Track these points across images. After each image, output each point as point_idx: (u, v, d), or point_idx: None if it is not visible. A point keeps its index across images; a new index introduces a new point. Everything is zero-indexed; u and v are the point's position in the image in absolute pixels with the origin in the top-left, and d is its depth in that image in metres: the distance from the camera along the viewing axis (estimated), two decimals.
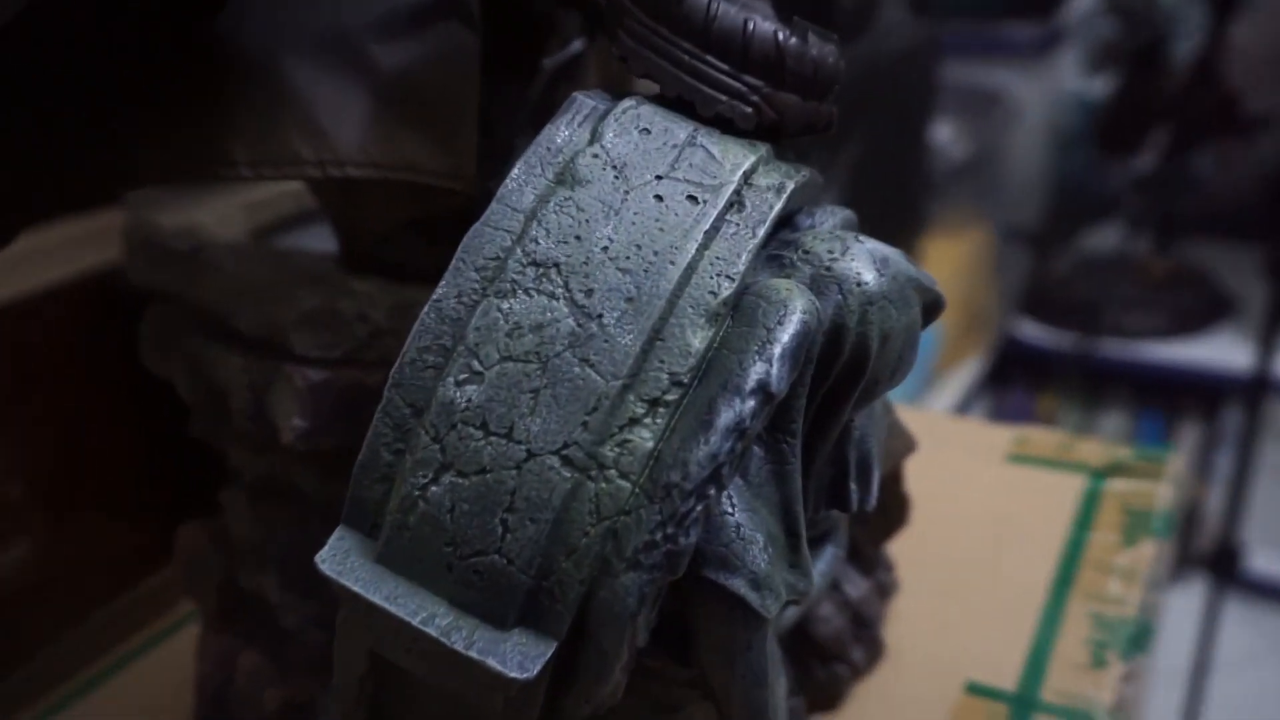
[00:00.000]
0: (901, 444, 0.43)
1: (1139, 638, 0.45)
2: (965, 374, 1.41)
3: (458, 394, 0.25)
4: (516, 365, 0.25)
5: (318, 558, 0.26)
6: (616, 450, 0.24)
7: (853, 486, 0.31)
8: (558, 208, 0.26)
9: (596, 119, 0.28)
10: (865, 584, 0.44)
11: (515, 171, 0.26)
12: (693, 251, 0.26)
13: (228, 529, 0.41)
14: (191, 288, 0.38)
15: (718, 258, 0.26)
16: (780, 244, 0.29)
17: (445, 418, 0.25)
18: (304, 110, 0.32)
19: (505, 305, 0.25)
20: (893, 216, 1.26)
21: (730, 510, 0.28)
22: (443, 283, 0.26)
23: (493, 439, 0.25)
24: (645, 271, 0.25)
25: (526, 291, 0.25)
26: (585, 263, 0.25)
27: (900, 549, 0.49)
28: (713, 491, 0.24)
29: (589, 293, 0.25)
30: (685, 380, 0.25)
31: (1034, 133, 1.50)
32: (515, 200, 0.26)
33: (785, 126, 0.28)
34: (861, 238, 0.29)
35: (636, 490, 0.24)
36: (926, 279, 0.30)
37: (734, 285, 0.26)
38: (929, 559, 0.51)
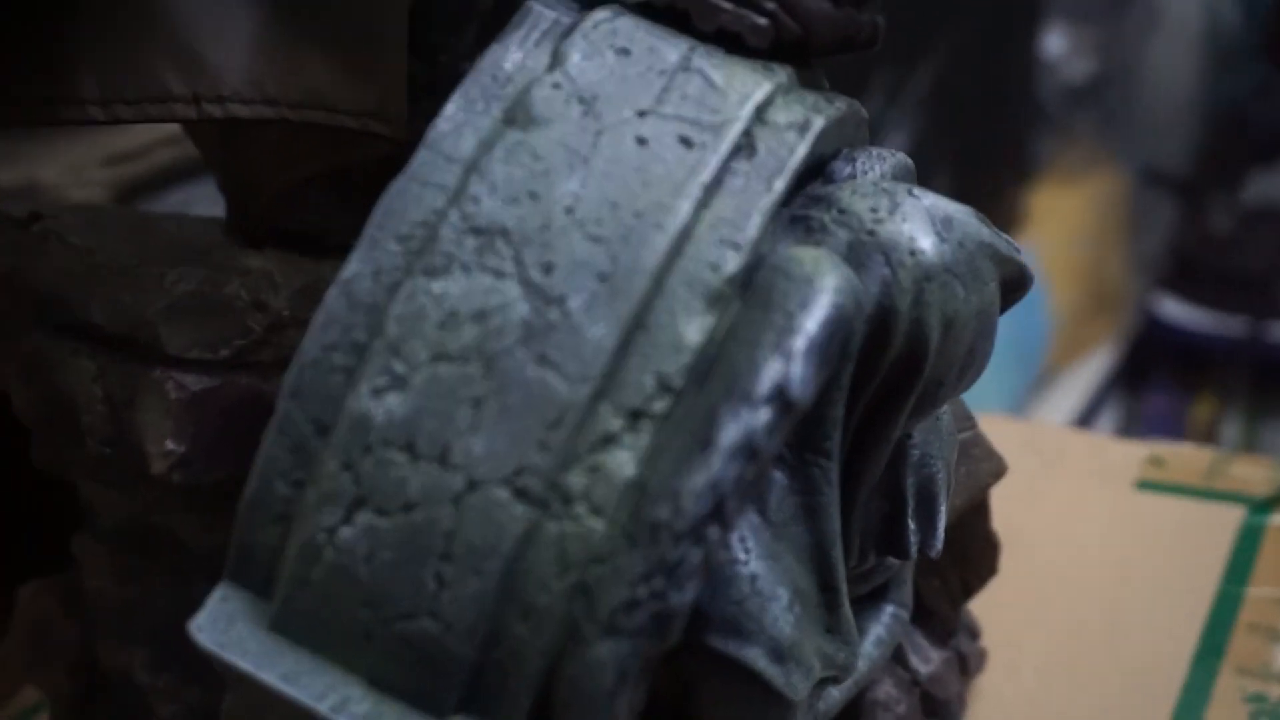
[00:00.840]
0: (987, 468, 0.44)
1: None
2: (1090, 372, 1.41)
3: (375, 406, 0.26)
4: (452, 367, 0.25)
5: (192, 624, 0.26)
6: (586, 478, 0.25)
7: (911, 525, 0.32)
8: (506, 155, 0.27)
9: (558, 36, 0.28)
10: (939, 656, 0.45)
11: (450, 108, 0.27)
12: (687, 212, 0.26)
13: (82, 589, 0.42)
14: (29, 267, 0.39)
15: (720, 220, 0.26)
16: (808, 200, 0.29)
17: (359, 437, 0.26)
18: (174, 31, 0.33)
19: (437, 287, 0.26)
20: (986, 159, 1.27)
21: (743, 557, 0.28)
22: (354, 257, 0.26)
23: (421, 465, 0.25)
24: (623, 239, 0.26)
25: (465, 268, 0.26)
26: (543, 229, 0.26)
27: (988, 609, 0.50)
28: (714, 532, 0.25)
29: (548, 268, 0.26)
30: (677, 384, 0.25)
31: (1182, 42, 1.50)
32: (450, 146, 0.27)
33: (812, 43, 0.29)
34: (918, 191, 0.29)
35: (613, 531, 0.25)
36: (1005, 245, 0.30)
37: (742, 256, 0.26)
38: (1027, 622, 0.51)
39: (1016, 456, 0.60)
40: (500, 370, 0.25)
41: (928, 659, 0.45)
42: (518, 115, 0.27)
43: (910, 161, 0.32)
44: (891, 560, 0.39)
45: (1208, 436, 1.42)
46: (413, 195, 0.27)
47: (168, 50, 0.33)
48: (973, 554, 0.46)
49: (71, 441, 0.39)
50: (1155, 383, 1.46)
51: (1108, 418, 1.42)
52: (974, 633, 0.48)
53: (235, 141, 0.40)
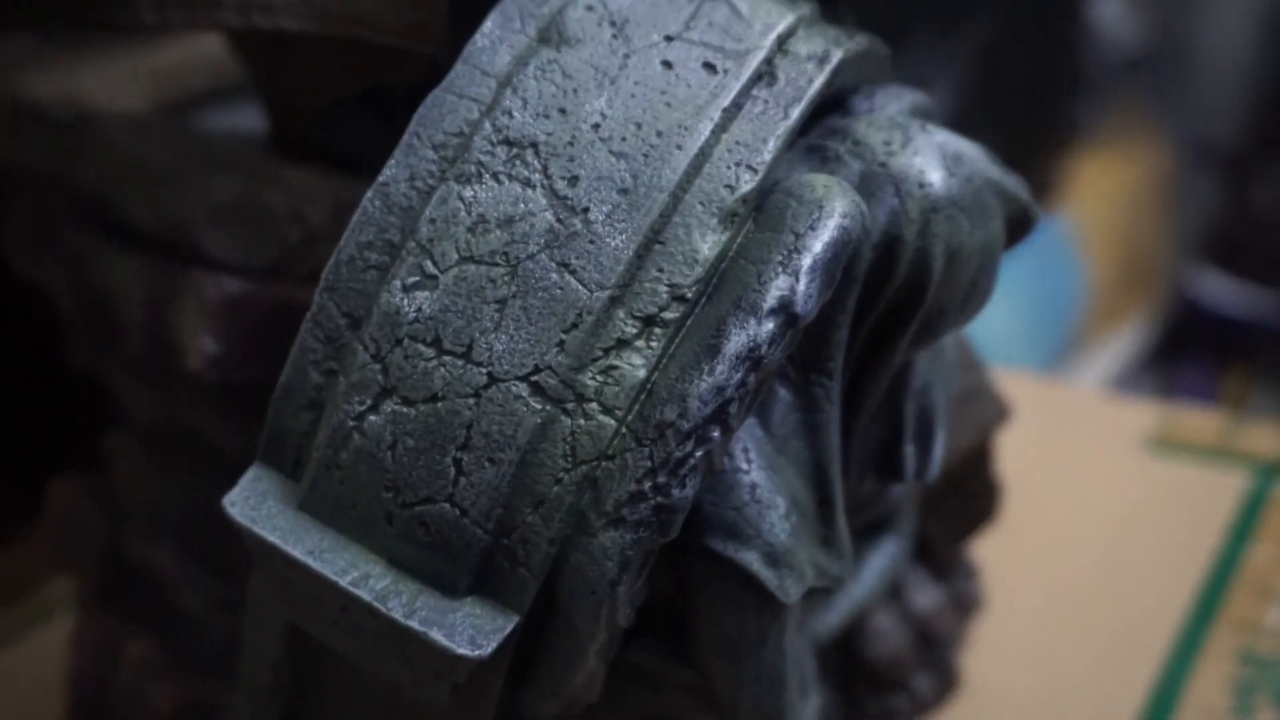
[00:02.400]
0: (992, 411, 0.46)
1: None
2: (1125, 340, 1.43)
3: (405, 301, 0.28)
4: (479, 268, 0.28)
5: (226, 500, 0.29)
6: (600, 379, 0.27)
7: (908, 449, 0.34)
8: (539, 72, 0.29)
9: None
10: (937, 593, 0.47)
11: (487, 25, 0.29)
12: (706, 134, 0.28)
13: (113, 485, 0.44)
14: (74, 169, 0.41)
15: (738, 143, 0.29)
16: (825, 132, 0.31)
17: (389, 331, 0.28)
18: None
19: (468, 193, 0.28)
20: (1031, 122, 1.28)
21: (745, 466, 0.30)
22: (391, 162, 0.29)
23: (446, 359, 0.28)
24: (645, 157, 0.28)
25: (495, 177, 0.28)
26: (570, 143, 0.28)
27: (991, 554, 0.52)
28: (716, 434, 0.27)
29: (573, 180, 0.28)
30: (689, 295, 0.28)
31: (1239, 14, 1.50)
32: (486, 61, 0.29)
33: None
34: (931, 127, 0.31)
35: (623, 429, 0.27)
36: (1013, 183, 0.32)
37: (757, 178, 0.28)
38: (1029, 569, 0.53)
39: (1031, 411, 0.62)
40: (524, 273, 0.28)
41: (927, 595, 0.47)
42: (551, 35, 0.29)
43: (927, 100, 0.34)
44: (893, 490, 0.41)
45: (1239, 408, 1.43)
46: (449, 105, 0.29)
47: None
48: (974, 494, 0.47)
49: (110, 339, 0.42)
50: (1188, 356, 1.47)
51: (1141, 386, 1.43)
52: (971, 574, 0.50)
53: (280, 57, 0.42)
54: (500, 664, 0.28)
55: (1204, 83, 1.50)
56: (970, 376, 0.46)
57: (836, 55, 0.30)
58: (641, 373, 0.27)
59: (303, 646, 0.31)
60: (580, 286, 0.27)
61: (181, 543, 0.42)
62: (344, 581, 0.28)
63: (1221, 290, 1.46)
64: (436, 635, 0.27)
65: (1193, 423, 0.62)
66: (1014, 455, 0.60)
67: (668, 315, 0.28)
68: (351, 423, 0.28)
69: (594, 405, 0.27)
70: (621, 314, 0.28)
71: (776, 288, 0.27)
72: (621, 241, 0.28)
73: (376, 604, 0.28)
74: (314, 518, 0.29)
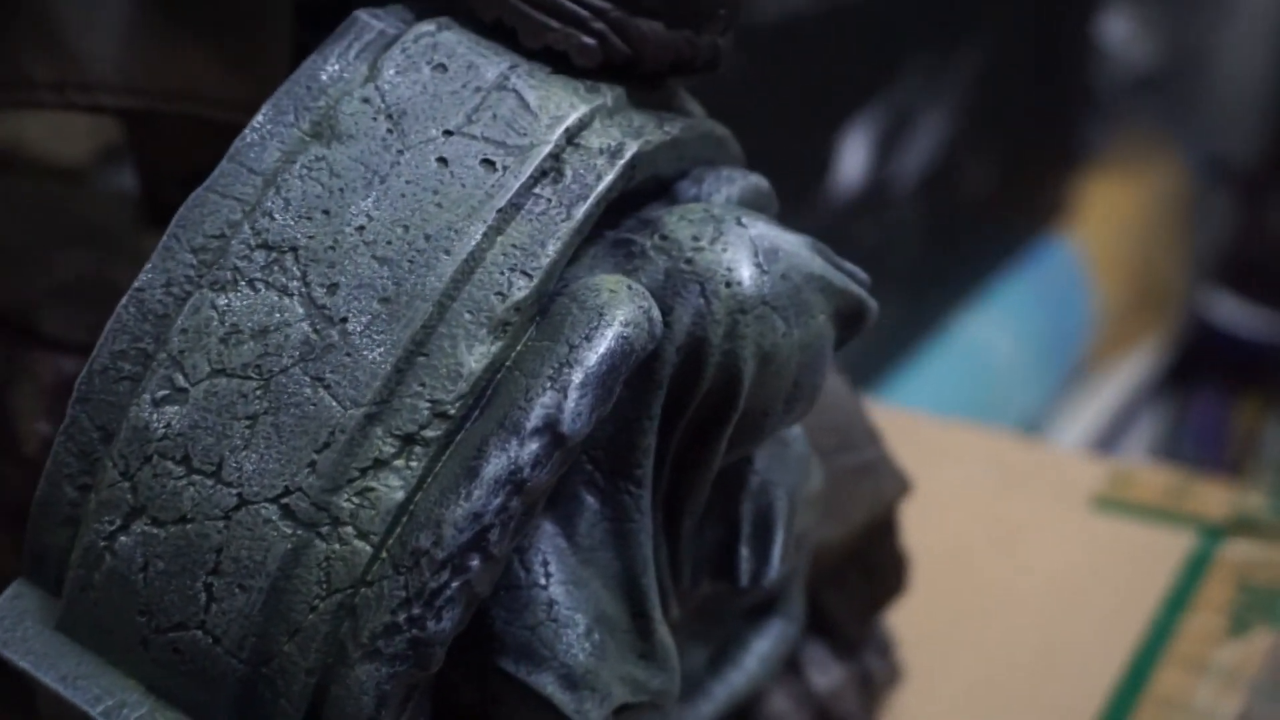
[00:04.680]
0: (891, 484, 0.44)
1: None
2: (1136, 365, 1.39)
3: (155, 416, 0.26)
4: (231, 381, 0.26)
5: None
6: (355, 500, 0.25)
7: (744, 552, 0.32)
8: (305, 171, 0.27)
9: (380, 49, 0.28)
10: (840, 671, 0.45)
11: (259, 118, 0.27)
12: (478, 236, 0.26)
13: None
14: None
15: (514, 246, 0.26)
16: (638, 224, 0.29)
17: (138, 447, 0.26)
18: (42, 17, 0.33)
19: (222, 301, 0.26)
20: (1030, 146, 1.25)
21: (543, 581, 0.28)
22: (148, 266, 0.27)
23: (196, 478, 0.26)
24: (410, 262, 0.26)
25: (251, 283, 0.26)
26: (331, 248, 0.26)
27: (916, 625, 0.49)
28: (476, 563, 0.25)
29: (332, 288, 0.26)
30: (452, 411, 0.26)
31: (1254, 31, 1.46)
32: (254, 158, 0.27)
33: (643, 64, 0.29)
34: (749, 218, 0.29)
35: (382, 554, 0.25)
36: (839, 277, 0.30)
37: (532, 284, 0.26)
38: (955, 641, 0.51)
39: (974, 468, 0.60)
40: (277, 388, 0.26)
41: (827, 672, 0.45)
42: (324, 129, 0.27)
43: (765, 184, 0.32)
44: (788, 573, 0.39)
45: (1252, 439, 1.39)
46: (211, 206, 0.27)
47: (34, 36, 0.33)
48: (879, 569, 0.45)
49: None
50: (1201, 382, 1.43)
51: (1151, 414, 1.40)
52: (885, 648, 0.47)
53: (144, 124, 0.41)
54: None
55: (1217, 102, 1.46)
56: (870, 450, 0.44)
57: (631, 148, 0.28)
58: (400, 495, 0.25)
59: None
60: (334, 403, 0.26)
61: None
62: (95, 711, 0.26)
63: (1236, 314, 1.42)
64: None
65: (1144, 480, 0.59)
66: (960, 515, 0.57)
67: (428, 433, 0.26)
68: (103, 543, 0.26)
69: (349, 529, 0.25)
70: (379, 432, 0.26)
71: (542, 405, 0.25)
72: (380, 354, 0.26)
73: None
74: (72, 639, 0.27)
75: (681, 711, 0.38)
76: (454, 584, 0.25)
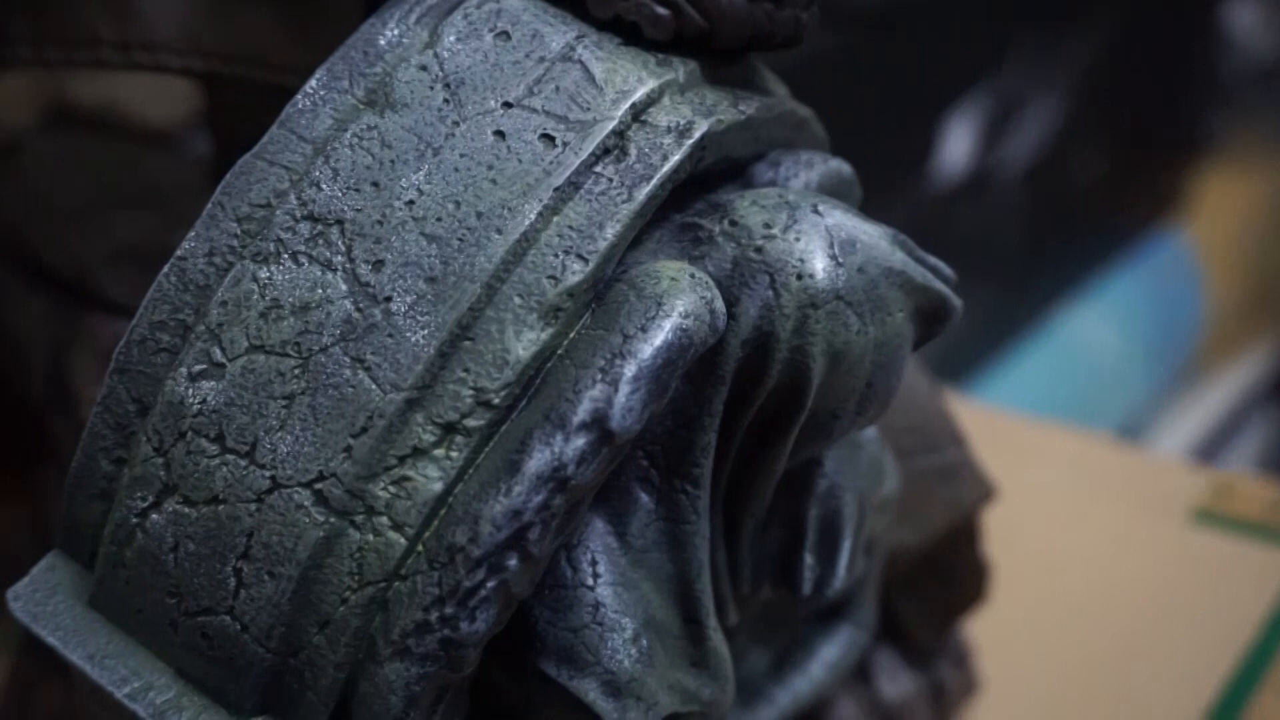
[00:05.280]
0: (972, 490, 0.42)
1: None
2: (1244, 371, 1.34)
3: (190, 391, 0.25)
4: (269, 359, 0.25)
5: (10, 592, 0.26)
6: (391, 490, 0.24)
7: (808, 559, 0.30)
8: (355, 140, 0.26)
9: (442, 14, 0.27)
10: (910, 681, 0.43)
11: (312, 83, 0.26)
12: (533, 216, 0.25)
13: (47, 516, 0.43)
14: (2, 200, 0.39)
15: (570, 228, 0.25)
16: (708, 207, 0.28)
17: (173, 423, 0.25)
18: None
19: (264, 274, 0.25)
20: (1145, 136, 1.20)
21: (590, 581, 0.27)
22: (191, 234, 0.26)
23: (229, 458, 0.25)
24: (460, 241, 0.25)
25: (295, 257, 0.25)
26: (379, 222, 0.25)
27: (994, 633, 0.47)
28: (514, 562, 0.24)
29: (378, 265, 0.25)
30: (497, 401, 0.24)
31: None
32: (305, 125, 0.26)
33: (718, 38, 0.27)
34: (826, 206, 0.27)
35: (418, 549, 0.24)
36: (921, 273, 0.28)
37: (588, 269, 0.25)
38: (1038, 654, 0.49)
39: (1066, 473, 0.57)
40: (315, 368, 0.24)
41: (897, 681, 0.43)
42: (378, 97, 0.26)
43: (847, 169, 0.30)
44: (859, 576, 0.37)
45: None
46: (258, 174, 0.26)
47: None
48: (957, 578, 0.43)
49: (29, 377, 0.40)
50: None
51: (1256, 426, 1.35)
52: (960, 659, 0.45)
53: (216, 90, 0.40)
54: None
55: None
56: (952, 452, 0.42)
57: (701, 127, 0.26)
58: (438, 486, 0.24)
59: None
60: (374, 386, 0.24)
61: None
62: (120, 693, 0.25)
63: None
64: None
65: (1249, 492, 0.57)
66: (1049, 522, 0.55)
67: (471, 423, 0.24)
68: (135, 519, 0.25)
69: (384, 519, 0.24)
70: (420, 419, 0.24)
71: (591, 398, 0.24)
72: (423, 337, 0.24)
73: None
74: (104, 616, 0.26)
75: (740, 715, 0.37)
76: (490, 584, 0.24)
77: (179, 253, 0.26)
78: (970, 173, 1.01)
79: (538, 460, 0.24)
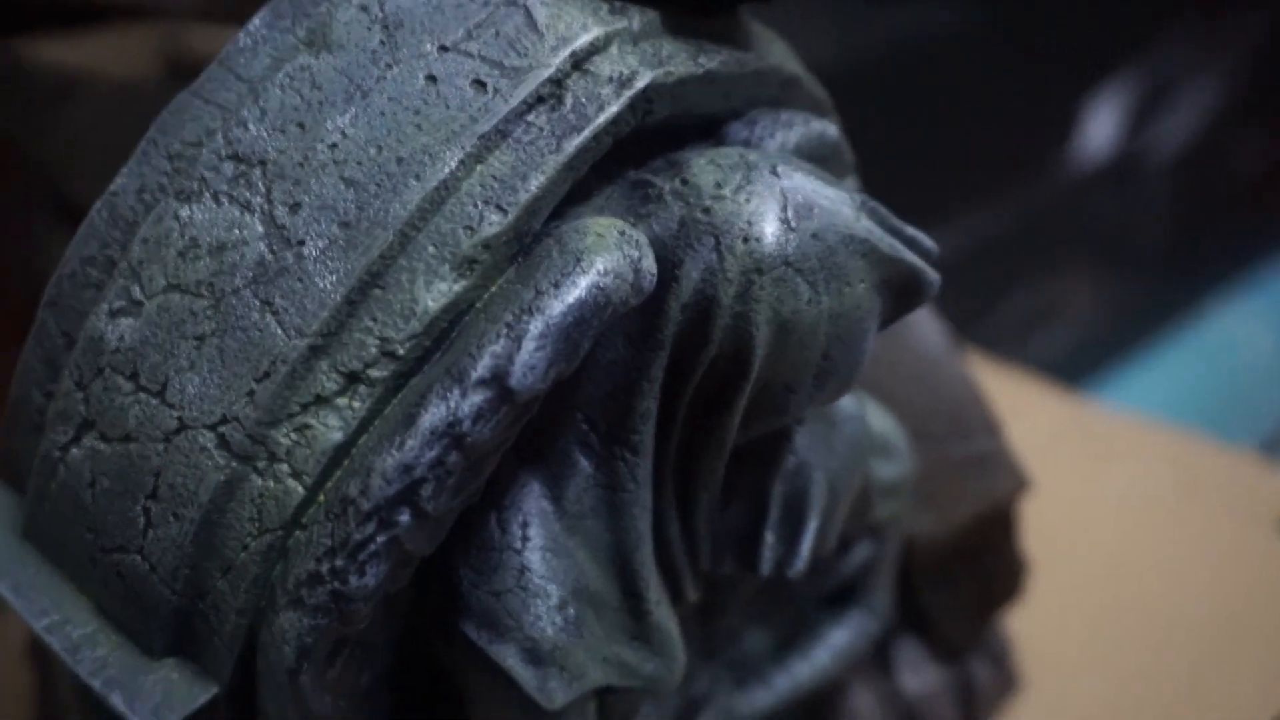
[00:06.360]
0: (1005, 480, 0.39)
1: None
2: None
3: (109, 328, 0.25)
4: (184, 298, 0.24)
5: None
6: (293, 437, 0.24)
7: (768, 537, 0.29)
8: (287, 80, 0.25)
9: None
10: (934, 676, 0.41)
11: (255, 21, 0.26)
12: (453, 164, 0.24)
13: None
14: (41, 143, 0.40)
15: (492, 177, 0.24)
16: (664, 165, 0.26)
17: (92, 358, 0.25)
18: None
19: (185, 212, 0.25)
20: None
21: (517, 545, 0.26)
22: (124, 169, 0.25)
23: (142, 396, 0.24)
24: (377, 186, 0.24)
25: (216, 196, 0.25)
26: (300, 164, 0.24)
27: (1046, 633, 0.45)
28: (405, 518, 0.23)
29: (294, 208, 0.24)
30: (401, 352, 0.23)
31: None
32: (243, 64, 0.25)
33: None
34: (787, 167, 0.26)
35: (319, 499, 0.24)
36: (888, 243, 0.26)
37: (506, 220, 0.24)
38: (1091, 655, 0.46)
39: (1149, 469, 0.54)
40: (226, 309, 0.24)
41: (920, 674, 0.41)
42: (316, 37, 0.25)
43: (832, 132, 0.29)
44: (868, 559, 0.36)
45: None
46: (193, 111, 0.25)
47: None
48: (992, 571, 0.41)
49: None
50: None
51: None
52: (999, 657, 0.43)
53: None
54: None
55: None
56: (985, 441, 0.39)
57: (645, 77, 0.25)
58: (338, 435, 0.23)
59: None
60: (279, 330, 0.24)
61: None
62: (39, 625, 0.25)
63: None
64: (116, 700, 0.25)
65: None
66: (1129, 520, 0.52)
67: (375, 373, 0.23)
68: (57, 453, 0.25)
69: (284, 466, 0.24)
70: (323, 366, 0.24)
71: (491, 354, 0.23)
72: (331, 283, 0.24)
73: (65, 654, 0.25)
74: (36, 547, 0.26)
75: (737, 699, 0.36)
76: (380, 538, 0.23)
77: (111, 188, 0.26)
78: (1114, 157, 0.96)
79: (433, 415, 0.23)
